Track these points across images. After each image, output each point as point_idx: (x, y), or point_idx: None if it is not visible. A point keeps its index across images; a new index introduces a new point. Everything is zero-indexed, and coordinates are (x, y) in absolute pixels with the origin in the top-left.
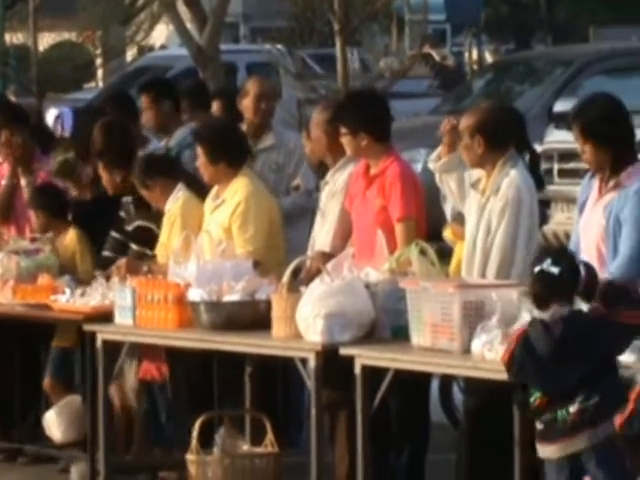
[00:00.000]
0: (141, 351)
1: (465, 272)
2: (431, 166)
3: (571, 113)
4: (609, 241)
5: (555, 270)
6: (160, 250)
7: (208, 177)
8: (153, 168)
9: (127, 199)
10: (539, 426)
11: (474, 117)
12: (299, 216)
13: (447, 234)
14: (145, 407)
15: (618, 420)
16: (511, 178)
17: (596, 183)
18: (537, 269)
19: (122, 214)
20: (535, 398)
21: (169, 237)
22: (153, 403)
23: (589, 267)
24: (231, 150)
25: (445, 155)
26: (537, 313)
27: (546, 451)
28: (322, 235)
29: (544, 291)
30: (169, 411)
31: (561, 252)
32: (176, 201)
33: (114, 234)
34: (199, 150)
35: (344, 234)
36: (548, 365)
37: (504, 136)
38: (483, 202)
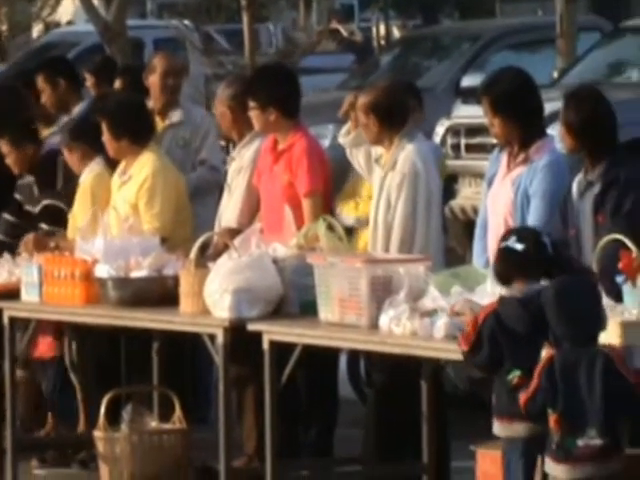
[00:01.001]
0: (35, 328)
1: (370, 247)
2: (341, 141)
3: (480, 87)
4: (517, 215)
5: (519, 247)
6: (71, 221)
7: (112, 152)
8: (80, 132)
9: (28, 180)
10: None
11: (368, 96)
12: (206, 192)
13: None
14: (45, 383)
15: (522, 397)
16: (407, 152)
17: (504, 157)
18: (502, 246)
19: (17, 196)
20: (513, 376)
21: (78, 209)
22: (50, 379)
23: (556, 244)
24: (134, 126)
25: (354, 130)
26: (501, 290)
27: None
28: (229, 211)
29: (507, 268)
30: (62, 387)
31: (527, 230)
32: (90, 172)
33: (7, 217)
34: (103, 125)
35: (251, 210)
36: (525, 342)
37: (398, 114)
38: (382, 177)
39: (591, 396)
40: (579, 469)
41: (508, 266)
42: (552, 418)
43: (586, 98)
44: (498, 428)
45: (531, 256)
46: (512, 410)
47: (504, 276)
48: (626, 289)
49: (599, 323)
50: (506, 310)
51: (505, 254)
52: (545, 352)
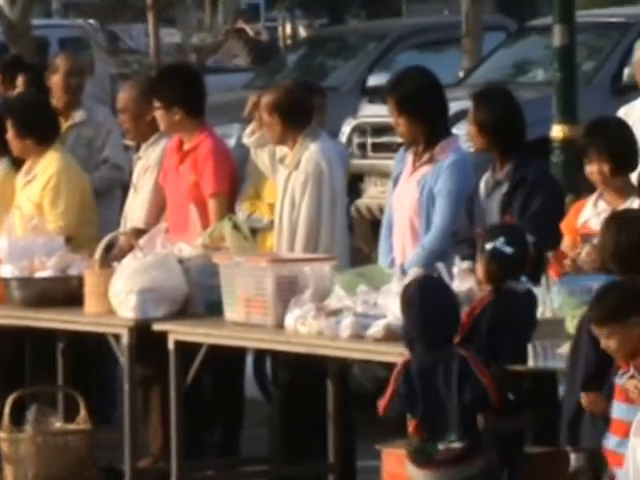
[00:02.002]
0: None
1: (275, 247)
2: (245, 141)
3: (385, 87)
4: (422, 214)
5: (509, 250)
6: None
7: (17, 151)
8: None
9: None
10: None
11: (272, 96)
12: (109, 191)
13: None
14: None
15: (381, 403)
16: (310, 152)
17: (410, 157)
18: (489, 246)
19: None
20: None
21: None
22: None
23: (537, 245)
24: (39, 125)
25: (259, 130)
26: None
27: None
28: (136, 211)
29: (499, 270)
30: None
31: (513, 231)
32: None
33: None
34: (8, 124)
35: (157, 209)
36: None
37: (302, 114)
38: (287, 177)
39: (449, 400)
40: (441, 473)
41: (499, 268)
42: (412, 423)
43: (497, 97)
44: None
45: (519, 258)
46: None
47: (495, 278)
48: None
49: (455, 326)
50: (508, 302)
51: (495, 256)
52: (401, 357)
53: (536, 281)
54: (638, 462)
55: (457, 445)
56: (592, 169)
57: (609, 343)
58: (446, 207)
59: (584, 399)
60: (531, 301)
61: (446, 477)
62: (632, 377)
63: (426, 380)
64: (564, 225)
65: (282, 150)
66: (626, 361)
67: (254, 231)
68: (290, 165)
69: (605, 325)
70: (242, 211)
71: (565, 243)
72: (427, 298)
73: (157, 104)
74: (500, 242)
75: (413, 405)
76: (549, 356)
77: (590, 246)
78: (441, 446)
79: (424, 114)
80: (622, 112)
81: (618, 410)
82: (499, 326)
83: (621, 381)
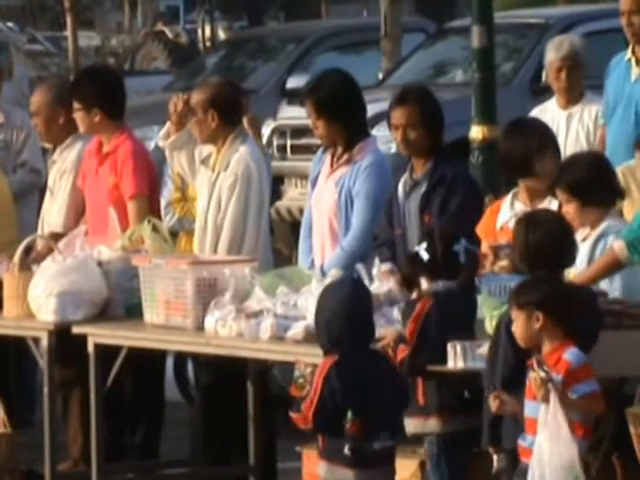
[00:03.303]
0: None
1: (198, 248)
2: (160, 143)
3: (304, 90)
4: (341, 216)
5: (425, 256)
6: None
7: None
8: None
9: None
10: None
11: (207, 92)
12: (28, 194)
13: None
14: None
15: (307, 412)
16: (240, 154)
17: (328, 158)
18: (413, 250)
19: None
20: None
21: None
22: None
23: (471, 253)
24: None
25: (174, 132)
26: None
27: None
28: (53, 214)
29: (410, 273)
30: None
31: (442, 236)
32: None
33: None
34: None
35: (76, 212)
36: (468, 330)
37: (236, 111)
38: (213, 178)
39: (380, 398)
40: (376, 472)
41: (411, 270)
42: (347, 424)
43: (419, 97)
44: (435, 425)
45: (438, 264)
46: (453, 405)
47: (406, 280)
48: None
49: (373, 329)
50: (448, 303)
51: (411, 260)
52: (324, 359)
53: (467, 284)
54: (544, 459)
55: (390, 443)
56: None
57: (514, 327)
58: (364, 208)
59: (491, 402)
60: (468, 299)
61: (381, 477)
62: (533, 370)
63: (360, 378)
64: (480, 228)
65: (204, 151)
66: (532, 358)
67: (174, 233)
68: (218, 166)
69: (515, 310)
70: (170, 214)
71: (483, 246)
72: (354, 297)
73: (77, 106)
74: (422, 247)
75: (351, 404)
76: (469, 356)
77: (504, 258)
78: (377, 445)
79: (342, 116)
80: (535, 113)
81: (528, 408)
82: (445, 328)
83: (528, 379)
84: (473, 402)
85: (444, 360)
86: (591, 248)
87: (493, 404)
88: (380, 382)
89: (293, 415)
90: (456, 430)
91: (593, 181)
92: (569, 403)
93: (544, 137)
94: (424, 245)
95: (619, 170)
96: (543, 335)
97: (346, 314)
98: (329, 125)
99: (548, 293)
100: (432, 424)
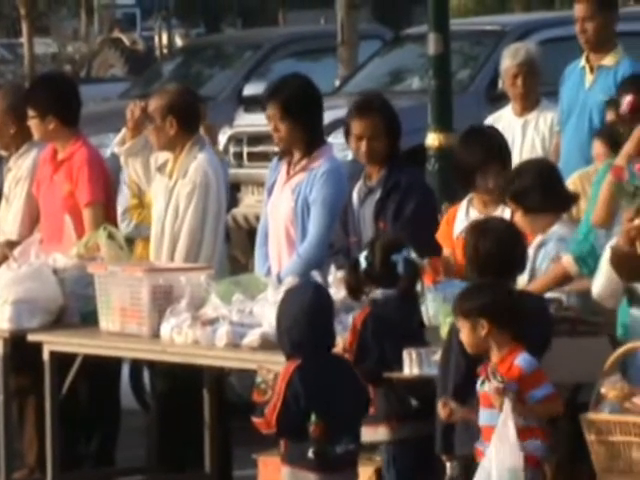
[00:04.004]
0: None
1: (154, 256)
2: (116, 150)
3: (267, 92)
4: (298, 223)
5: (363, 265)
6: None
7: None
8: None
9: None
10: None
11: (165, 98)
12: None
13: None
14: None
15: (270, 416)
16: (199, 161)
17: (284, 165)
18: (354, 258)
19: None
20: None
21: None
22: None
23: (411, 262)
24: None
25: (130, 139)
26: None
27: None
28: (8, 222)
29: (352, 281)
30: None
31: (383, 245)
32: None
33: None
34: None
35: (31, 220)
36: (407, 338)
37: (194, 118)
38: (171, 185)
39: (342, 402)
40: (339, 476)
41: (352, 280)
42: (311, 428)
43: (380, 107)
44: (385, 432)
45: (375, 273)
46: (403, 412)
47: (349, 287)
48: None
49: (334, 333)
50: (383, 312)
51: (351, 267)
52: (286, 364)
53: (406, 292)
54: (490, 464)
55: (352, 447)
56: None
57: (461, 335)
58: (321, 215)
59: (440, 410)
60: (407, 307)
61: None
62: (488, 381)
63: (323, 382)
64: (440, 235)
65: (160, 158)
66: (484, 367)
67: (131, 240)
68: (176, 173)
69: (459, 318)
70: (127, 221)
71: (445, 253)
72: (317, 302)
73: (31, 113)
74: (362, 255)
75: (314, 408)
76: (424, 363)
77: None
78: (339, 449)
79: (305, 120)
80: (490, 120)
81: (484, 417)
82: (382, 336)
83: (482, 388)
84: (422, 409)
85: (385, 368)
86: (532, 256)
87: (442, 412)
88: (342, 386)
89: (255, 420)
90: (405, 437)
91: (537, 189)
92: (526, 410)
93: (491, 150)
94: (364, 253)
95: (576, 176)
96: (490, 342)
97: (308, 318)
98: (292, 128)
99: (490, 299)
100: (382, 432)
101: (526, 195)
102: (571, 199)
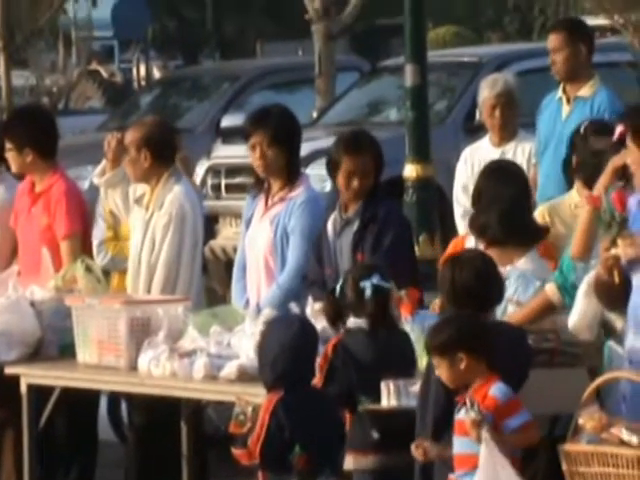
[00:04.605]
0: None
1: (131, 288)
2: (95, 181)
3: (250, 121)
4: (277, 253)
5: (337, 291)
6: None
7: None
8: None
9: None
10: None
11: (140, 131)
12: None
13: None
14: None
15: (253, 447)
16: (175, 194)
17: (262, 197)
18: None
19: None
20: (363, 402)
21: None
22: None
23: (379, 288)
24: None
25: (110, 170)
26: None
27: None
28: None
29: (330, 310)
30: None
31: (354, 272)
32: None
33: None
34: None
35: (8, 253)
36: (371, 371)
37: (170, 151)
38: (147, 217)
39: (322, 434)
40: None
41: (330, 309)
42: (295, 459)
43: (371, 144)
44: (350, 462)
45: (347, 301)
46: (365, 443)
47: (329, 317)
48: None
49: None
50: (353, 341)
51: (329, 297)
52: (269, 395)
53: (377, 321)
54: None
55: (333, 479)
56: None
57: (438, 372)
58: (300, 245)
59: (414, 452)
60: (376, 336)
61: None
62: (466, 409)
63: (305, 414)
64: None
65: (138, 190)
66: (462, 396)
67: (107, 272)
68: (152, 205)
69: (435, 356)
70: (103, 253)
71: None
72: (305, 333)
73: (9, 145)
74: (339, 283)
75: (298, 439)
76: (403, 395)
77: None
78: None
79: (290, 149)
80: (468, 151)
81: (459, 444)
82: (349, 364)
83: (459, 415)
84: (383, 442)
85: (350, 397)
86: None
87: (416, 453)
88: (323, 418)
89: (236, 451)
90: (368, 468)
91: (500, 222)
92: (503, 441)
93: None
94: (340, 282)
95: (544, 208)
96: (470, 374)
97: (294, 352)
98: (278, 156)
99: (464, 330)
100: (348, 461)
101: (488, 227)
102: (540, 232)
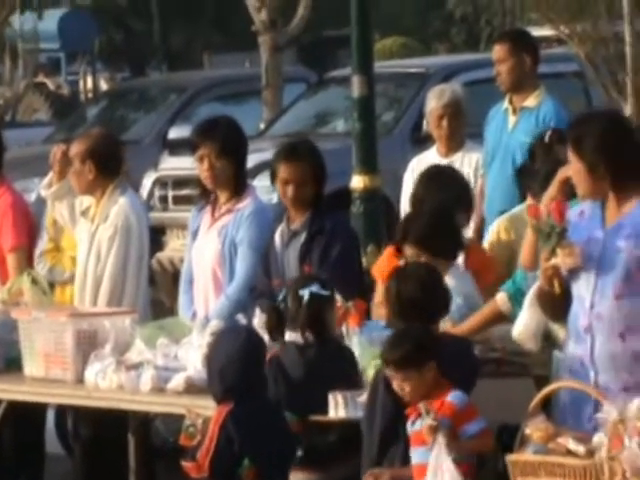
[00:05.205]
0: None
1: (78, 300)
2: (42, 193)
3: (197, 132)
4: (226, 264)
5: (281, 305)
6: None
7: None
8: None
9: None
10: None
11: (85, 143)
12: None
13: None
14: None
15: (203, 461)
16: (120, 206)
17: (208, 209)
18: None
19: None
20: (292, 420)
21: None
22: None
23: (317, 297)
24: None
25: (57, 182)
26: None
27: None
28: None
29: (270, 323)
30: None
31: (296, 282)
32: None
33: None
34: None
35: None
36: (301, 388)
37: (115, 163)
38: (93, 230)
39: (272, 447)
40: None
41: (271, 321)
42: (244, 472)
43: (309, 152)
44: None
45: (288, 312)
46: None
47: (269, 329)
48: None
49: (266, 377)
50: (285, 355)
51: (271, 309)
52: (218, 407)
53: (311, 332)
54: None
55: None
56: None
57: (404, 386)
58: (249, 256)
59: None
60: (303, 354)
61: None
62: (422, 418)
63: (255, 427)
64: (377, 269)
65: (84, 202)
66: (414, 407)
67: (52, 284)
68: (97, 218)
69: (401, 369)
70: (42, 264)
71: (378, 288)
72: (251, 344)
73: None
74: (281, 294)
75: (247, 452)
76: (350, 406)
77: None
78: None
79: (237, 161)
80: (415, 161)
81: (416, 455)
82: (277, 377)
83: (414, 427)
84: (308, 458)
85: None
86: None
87: None
88: (273, 430)
89: (186, 464)
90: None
91: (431, 233)
92: (460, 446)
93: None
94: (282, 293)
95: (503, 221)
96: (435, 383)
97: (242, 363)
98: (226, 167)
99: (428, 341)
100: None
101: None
102: (460, 247)
